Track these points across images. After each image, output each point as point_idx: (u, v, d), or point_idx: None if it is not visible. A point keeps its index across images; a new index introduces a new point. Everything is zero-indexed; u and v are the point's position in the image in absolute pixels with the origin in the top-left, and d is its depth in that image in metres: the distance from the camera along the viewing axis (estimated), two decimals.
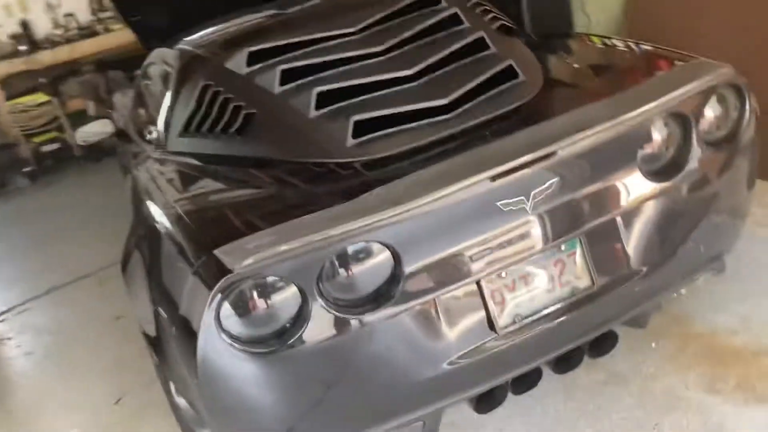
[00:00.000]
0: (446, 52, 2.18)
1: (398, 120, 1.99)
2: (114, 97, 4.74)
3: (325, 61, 2.24)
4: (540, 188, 1.74)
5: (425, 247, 1.69)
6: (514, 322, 1.84)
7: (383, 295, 1.69)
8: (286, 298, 1.64)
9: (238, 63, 2.40)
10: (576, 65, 2.47)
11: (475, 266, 1.75)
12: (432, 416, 1.88)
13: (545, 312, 1.87)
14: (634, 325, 2.18)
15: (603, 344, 2.06)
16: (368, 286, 1.70)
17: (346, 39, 2.37)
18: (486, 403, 1.97)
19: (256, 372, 1.68)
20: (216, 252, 1.62)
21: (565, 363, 2.03)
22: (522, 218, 1.76)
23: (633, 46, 2.42)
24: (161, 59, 3.02)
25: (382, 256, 1.68)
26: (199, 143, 2.37)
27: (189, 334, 1.64)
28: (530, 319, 1.85)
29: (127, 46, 5.81)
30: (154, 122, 2.98)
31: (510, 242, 1.77)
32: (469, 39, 2.23)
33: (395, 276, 1.69)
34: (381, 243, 1.66)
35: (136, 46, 4.29)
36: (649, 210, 1.94)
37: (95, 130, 3.42)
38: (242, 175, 2.11)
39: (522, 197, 1.73)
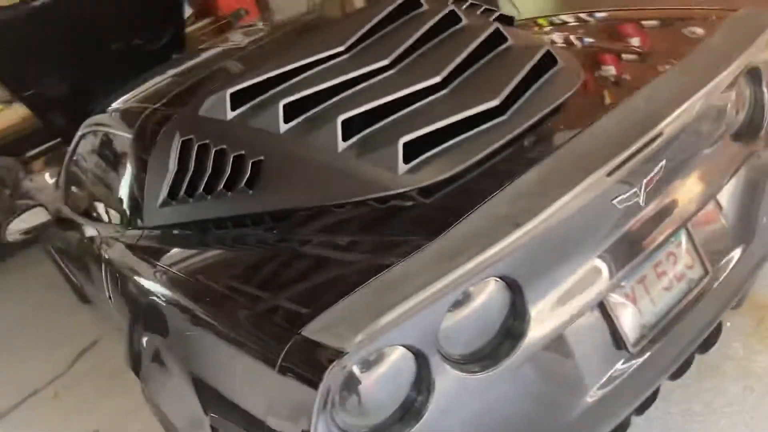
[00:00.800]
0: (466, 51, 1.92)
1: (448, 134, 1.70)
2: (24, 183, 4.21)
3: (331, 87, 1.92)
4: (650, 176, 1.50)
5: (546, 271, 1.41)
6: (642, 336, 1.58)
7: (510, 337, 1.39)
8: (403, 369, 1.31)
9: (216, 109, 2.04)
10: (602, 44, 2.23)
11: (599, 281, 1.48)
12: None
13: (669, 315, 1.63)
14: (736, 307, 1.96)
15: (712, 336, 1.84)
16: (490, 332, 1.40)
17: (338, 60, 2.07)
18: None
19: None
20: (305, 333, 1.27)
21: (681, 367, 1.79)
22: (637, 214, 1.51)
23: (634, 14, 2.26)
24: (101, 126, 2.61)
25: (499, 293, 1.38)
26: (193, 209, 1.99)
27: None
28: (657, 327, 1.60)
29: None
30: (109, 200, 2.57)
31: (628, 243, 1.51)
32: (486, 33, 1.97)
33: (518, 312, 1.39)
34: (499, 277, 1.36)
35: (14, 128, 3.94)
36: (741, 177, 1.75)
37: (26, 224, 2.93)
38: (272, 235, 1.75)
39: (635, 189, 1.49)
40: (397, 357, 1.30)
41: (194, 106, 2.14)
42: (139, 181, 2.23)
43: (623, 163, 1.42)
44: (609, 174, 1.41)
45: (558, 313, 1.42)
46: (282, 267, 1.60)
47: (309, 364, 1.24)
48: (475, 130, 1.70)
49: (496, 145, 1.65)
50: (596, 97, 1.81)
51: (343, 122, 1.76)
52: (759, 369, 2.06)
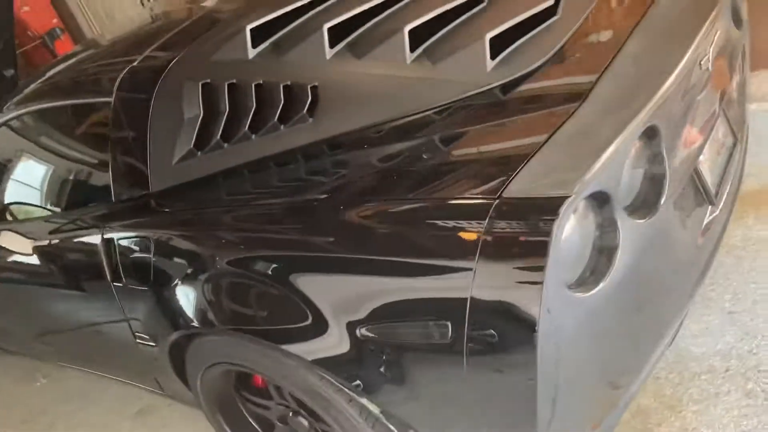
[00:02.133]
0: None
1: (514, 34, 1.76)
2: None
3: (362, 11, 1.90)
4: (712, 44, 1.70)
5: (675, 120, 1.53)
6: (715, 193, 1.77)
7: (656, 181, 1.48)
8: (594, 217, 1.35)
9: (233, 49, 1.92)
10: None
11: (697, 140, 1.64)
12: None
13: (724, 174, 1.84)
14: None
15: None
16: (641, 179, 1.48)
17: None
18: None
19: (599, 307, 1.35)
20: (507, 195, 1.27)
21: None
22: (708, 79, 1.69)
23: None
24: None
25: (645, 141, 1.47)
26: (233, 154, 1.84)
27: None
28: (722, 180, 1.81)
29: None
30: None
31: (706, 104, 1.70)
32: None
33: (657, 158, 1.48)
34: (653, 127, 1.44)
35: None
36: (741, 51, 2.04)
37: None
38: (389, 147, 1.67)
39: (708, 55, 1.67)
40: (590, 205, 1.33)
41: (197, 53, 1.99)
42: (135, 144, 1.99)
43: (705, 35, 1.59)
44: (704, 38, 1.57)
45: (678, 154, 1.54)
46: (441, 162, 1.55)
47: (528, 217, 1.24)
48: (539, 28, 1.79)
49: (563, 43, 1.75)
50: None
51: (410, 32, 1.74)
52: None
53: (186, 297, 1.80)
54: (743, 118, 2.08)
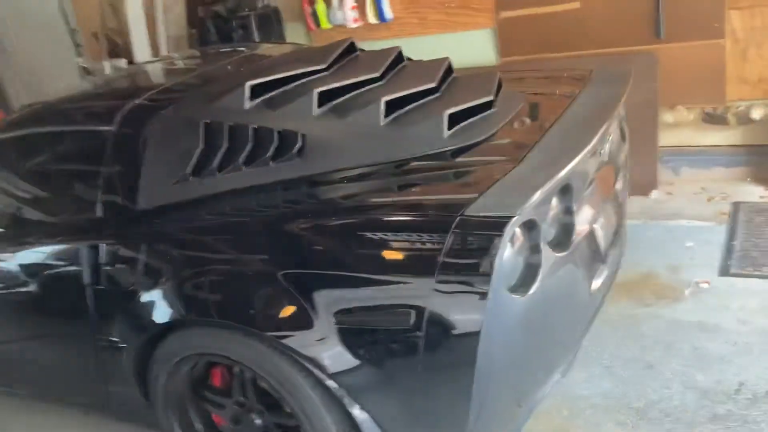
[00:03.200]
0: (440, 71, 2.54)
1: (465, 115, 2.27)
2: None
3: (350, 84, 2.38)
4: (608, 142, 2.28)
5: (580, 183, 2.05)
6: (605, 253, 2.29)
7: (567, 228, 1.97)
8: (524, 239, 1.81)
9: (233, 99, 2.32)
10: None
11: (594, 203, 2.18)
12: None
13: (611, 239, 2.38)
14: None
15: None
16: (557, 222, 1.96)
17: (323, 74, 2.52)
18: None
19: (524, 316, 1.78)
20: (468, 213, 1.71)
21: None
22: (605, 164, 2.26)
23: None
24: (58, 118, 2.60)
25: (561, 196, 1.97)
26: (224, 181, 2.19)
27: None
28: (609, 250, 2.34)
29: None
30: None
31: (600, 184, 2.25)
32: (444, 65, 2.63)
33: (569, 210, 1.98)
34: (568, 185, 1.95)
35: None
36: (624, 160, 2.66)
37: None
38: (352, 186, 2.09)
39: (605, 148, 2.25)
40: (524, 230, 1.79)
41: (196, 98, 2.38)
42: (129, 167, 2.29)
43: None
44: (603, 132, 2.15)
45: (582, 213, 2.06)
46: (395, 190, 2.00)
47: (483, 231, 1.67)
48: (479, 115, 2.31)
49: (499, 126, 2.28)
50: (542, 103, 2.58)
51: (386, 102, 2.22)
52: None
53: (170, 294, 2.07)
54: (624, 210, 2.67)
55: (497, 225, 1.66)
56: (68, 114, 2.65)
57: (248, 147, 2.19)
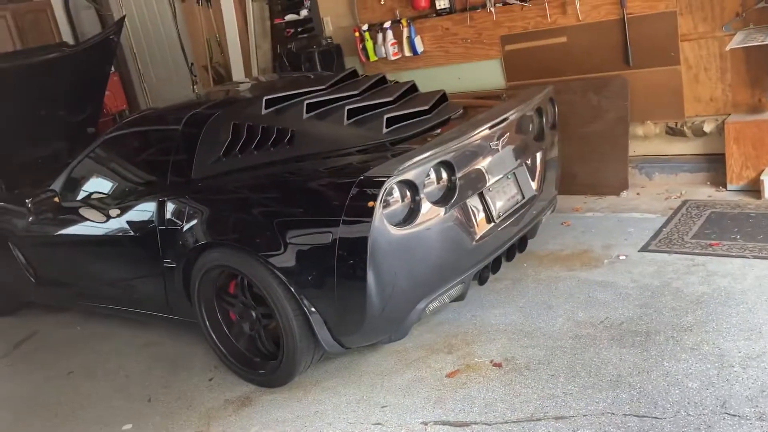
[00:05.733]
0: (400, 91, 3.62)
1: (403, 119, 3.34)
2: None
3: (329, 99, 3.51)
4: (501, 138, 3.25)
5: (464, 164, 3.05)
6: (499, 216, 3.25)
7: (449, 192, 2.98)
8: (410, 193, 2.84)
9: (253, 108, 3.50)
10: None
11: (483, 179, 3.16)
12: (468, 279, 3.16)
13: (509, 211, 3.33)
14: (529, 236, 3.71)
15: (523, 242, 3.57)
16: (441, 188, 2.97)
17: (323, 92, 3.66)
18: (483, 277, 3.31)
19: (403, 242, 2.80)
20: (366, 175, 2.77)
21: (512, 251, 3.48)
22: (497, 153, 3.24)
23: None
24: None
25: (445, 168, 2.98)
26: (242, 160, 3.35)
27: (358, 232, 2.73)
28: (505, 215, 3.29)
29: None
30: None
31: (494, 166, 3.22)
32: (408, 85, 3.71)
33: (452, 180, 2.98)
34: (447, 160, 2.95)
35: None
36: (538, 156, 3.59)
37: None
38: (318, 163, 3.20)
39: (497, 142, 3.23)
40: (407, 186, 2.82)
41: (232, 108, 3.60)
42: (188, 152, 3.52)
43: (495, 126, 3.16)
44: (490, 128, 3.14)
45: (467, 184, 3.05)
46: (351, 164, 3.10)
47: (372, 185, 2.73)
48: (416, 119, 3.37)
49: (428, 126, 3.32)
50: (467, 113, 3.59)
51: (349, 110, 3.33)
52: (542, 277, 3.81)
53: (202, 228, 3.26)
54: (539, 194, 3.59)
55: (378, 182, 2.71)
56: (161, 117, 3.95)
57: (257, 138, 3.35)
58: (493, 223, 3.23)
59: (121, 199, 3.82)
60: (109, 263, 4.00)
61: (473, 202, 3.13)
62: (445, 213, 2.95)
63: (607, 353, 2.98)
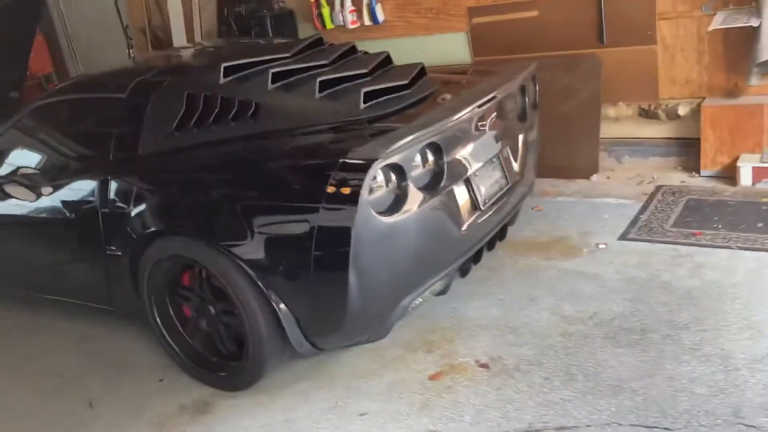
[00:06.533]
0: (376, 61, 3.28)
1: (380, 93, 3.01)
2: None
3: (297, 68, 3.14)
4: (488, 119, 2.97)
5: (452, 145, 2.75)
6: (485, 203, 2.98)
7: (436, 176, 2.68)
8: (396, 177, 2.52)
9: (210, 78, 3.10)
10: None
11: (470, 163, 2.87)
12: (453, 271, 2.88)
13: (494, 197, 3.06)
14: (509, 224, 3.46)
15: (503, 230, 3.32)
16: (427, 172, 2.67)
17: (287, 60, 3.29)
18: (465, 269, 3.03)
19: (388, 231, 2.49)
20: (345, 159, 2.44)
21: (492, 240, 3.22)
22: (484, 135, 2.96)
23: None
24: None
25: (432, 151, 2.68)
26: (199, 134, 2.96)
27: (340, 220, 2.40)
28: (490, 201, 3.02)
29: None
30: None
31: (480, 150, 2.94)
32: (382, 56, 3.37)
33: (439, 163, 2.68)
34: (435, 141, 2.65)
35: None
36: (521, 138, 3.33)
37: None
38: (286, 141, 2.84)
39: (485, 121, 2.94)
40: (393, 170, 2.50)
41: (185, 75, 3.18)
42: (134, 124, 3.09)
43: (483, 105, 2.87)
44: (479, 107, 2.85)
45: (455, 168, 2.75)
46: (326, 143, 2.76)
47: (356, 168, 2.40)
48: (395, 94, 3.04)
49: (408, 103, 3.00)
50: (449, 89, 3.28)
51: (321, 82, 2.98)
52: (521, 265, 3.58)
53: (153, 212, 2.86)
54: (521, 178, 3.33)
55: (363, 166, 2.38)
56: (98, 84, 3.49)
57: (215, 111, 2.96)
58: (479, 211, 2.95)
59: (55, 176, 3.37)
60: (39, 246, 3.54)
61: (459, 187, 2.84)
62: (432, 200, 2.65)
63: (602, 354, 2.76)
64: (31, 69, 6.98)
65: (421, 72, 3.30)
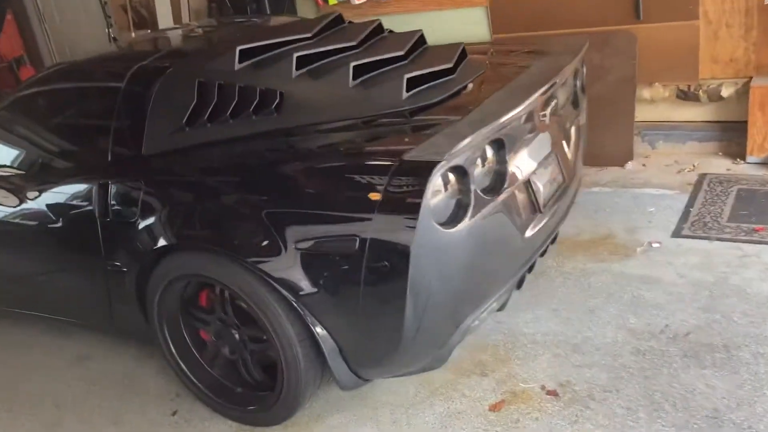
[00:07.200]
0: (410, 42, 2.86)
1: (422, 80, 2.60)
2: None
3: (328, 50, 2.72)
4: (549, 106, 2.58)
5: (515, 139, 2.37)
6: (545, 204, 2.60)
7: (499, 177, 2.29)
8: (462, 182, 2.13)
9: (224, 62, 2.67)
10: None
11: (530, 160, 2.49)
12: (513, 283, 2.51)
13: (553, 196, 2.68)
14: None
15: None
16: (490, 172, 2.28)
17: (308, 42, 2.86)
18: (521, 280, 2.66)
19: (452, 246, 2.11)
20: (406, 159, 2.04)
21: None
22: (544, 126, 2.57)
23: None
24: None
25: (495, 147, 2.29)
26: (214, 131, 2.53)
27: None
28: (549, 202, 2.64)
29: None
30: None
31: (540, 145, 2.56)
32: (416, 36, 2.95)
33: (502, 159, 2.29)
34: (499, 139, 2.26)
35: None
36: (574, 129, 2.95)
37: None
38: (319, 137, 2.43)
39: (545, 111, 2.55)
40: (455, 174, 2.11)
41: (193, 60, 2.74)
42: (136, 119, 2.66)
43: (545, 92, 2.48)
44: (542, 95, 2.45)
45: (517, 165, 2.37)
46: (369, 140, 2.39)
47: (415, 173, 2.00)
48: (438, 80, 2.63)
49: (455, 90, 2.60)
50: (497, 73, 2.89)
51: (355, 67, 2.56)
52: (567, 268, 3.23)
53: (164, 222, 2.44)
54: (575, 173, 2.96)
55: (426, 168, 1.99)
56: (87, 72, 3.04)
57: (234, 102, 2.53)
58: (539, 213, 2.57)
59: (42, 178, 2.93)
60: (24, 258, 3.11)
61: (519, 188, 2.46)
62: (495, 204, 2.27)
63: (686, 376, 2.42)
64: (1, 51, 6.45)
65: (462, 53, 2.89)
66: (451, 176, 2.12)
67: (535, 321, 2.88)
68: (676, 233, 3.41)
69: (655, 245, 3.33)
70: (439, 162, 1.99)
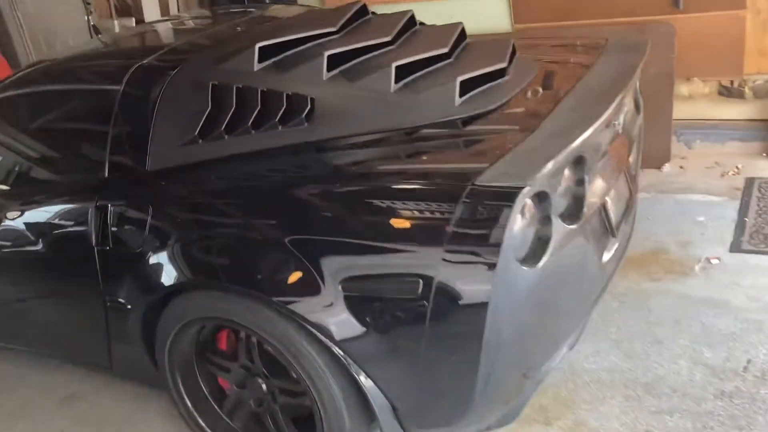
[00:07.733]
0: (453, 37, 2.48)
1: (477, 82, 2.22)
2: None
3: (361, 48, 2.32)
4: (623, 112, 2.23)
5: (594, 156, 2.01)
6: (617, 226, 2.25)
7: (577, 202, 1.92)
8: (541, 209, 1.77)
9: (240, 62, 2.27)
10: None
11: (606, 179, 2.13)
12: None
13: (623, 217, 2.33)
14: None
15: None
16: (568, 194, 1.92)
17: (334, 36, 2.47)
18: None
19: (533, 287, 1.75)
20: (479, 183, 1.68)
21: None
22: (618, 137, 2.22)
23: None
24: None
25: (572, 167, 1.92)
26: (233, 144, 2.15)
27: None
28: (621, 222, 2.29)
29: None
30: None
31: (613, 159, 2.21)
32: (458, 29, 2.57)
33: (580, 181, 1.93)
34: (581, 155, 1.90)
35: None
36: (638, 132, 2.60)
37: None
38: (362, 152, 2.06)
39: (619, 119, 2.20)
40: (535, 202, 1.75)
41: (207, 59, 2.34)
42: (139, 129, 2.26)
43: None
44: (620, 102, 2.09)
45: (594, 185, 2.01)
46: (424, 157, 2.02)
47: (494, 200, 1.64)
48: (492, 83, 2.26)
49: (512, 95, 2.23)
50: (557, 72, 2.52)
51: (397, 68, 2.17)
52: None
53: (177, 257, 2.05)
54: (636, 183, 2.62)
55: (508, 195, 1.63)
56: (76, 72, 2.62)
57: (256, 110, 2.15)
58: (612, 237, 2.23)
59: (24, 196, 2.52)
60: (8, 286, 2.69)
61: (595, 210, 2.11)
62: (575, 232, 1.91)
63: None
64: None
65: (513, 50, 2.51)
66: (529, 202, 1.76)
67: (596, 355, 2.54)
68: (735, 247, 3.09)
69: (714, 261, 3.00)
70: (522, 188, 1.63)
